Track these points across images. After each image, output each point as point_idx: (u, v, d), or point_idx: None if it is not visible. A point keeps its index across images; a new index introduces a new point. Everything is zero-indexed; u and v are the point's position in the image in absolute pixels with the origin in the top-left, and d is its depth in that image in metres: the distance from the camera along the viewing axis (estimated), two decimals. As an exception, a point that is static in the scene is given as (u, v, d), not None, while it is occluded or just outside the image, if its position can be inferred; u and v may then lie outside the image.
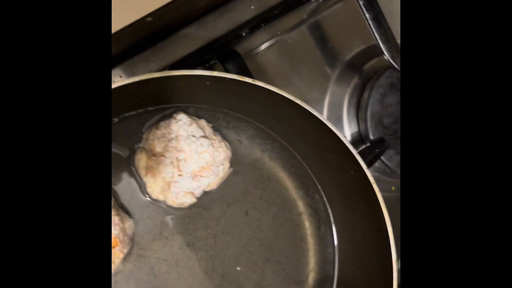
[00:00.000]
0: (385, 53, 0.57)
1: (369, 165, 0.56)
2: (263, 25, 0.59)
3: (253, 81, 0.40)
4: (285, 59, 0.61)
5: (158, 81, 0.38)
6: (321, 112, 0.62)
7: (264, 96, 0.43)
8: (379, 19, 0.57)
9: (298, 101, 0.41)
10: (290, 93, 0.59)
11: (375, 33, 0.56)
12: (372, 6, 0.56)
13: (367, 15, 0.56)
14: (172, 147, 0.44)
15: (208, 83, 0.42)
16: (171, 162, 0.44)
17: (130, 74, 0.51)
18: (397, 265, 0.46)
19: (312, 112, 0.42)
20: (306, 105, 0.42)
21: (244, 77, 0.39)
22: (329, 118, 0.62)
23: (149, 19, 0.46)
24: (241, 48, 0.58)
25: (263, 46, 0.60)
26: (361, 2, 0.56)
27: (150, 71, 0.53)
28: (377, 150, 0.57)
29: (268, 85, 0.41)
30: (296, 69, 0.61)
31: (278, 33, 0.60)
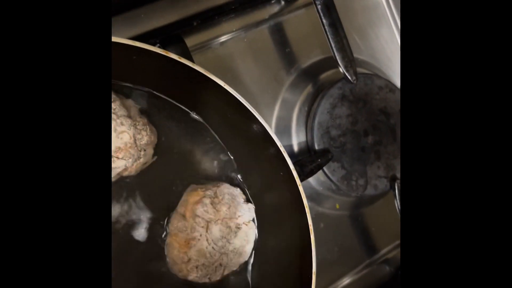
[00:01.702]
0: (339, 62, 0.56)
1: (309, 174, 0.54)
2: (217, 18, 0.56)
3: (179, 58, 0.37)
4: (238, 57, 0.59)
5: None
6: (270, 118, 0.60)
7: (194, 80, 0.41)
8: (335, 26, 0.55)
9: (226, 87, 0.39)
10: (239, 93, 0.58)
11: (331, 41, 0.55)
12: (329, 12, 0.55)
13: (323, 21, 0.55)
14: (89, 121, 0.41)
15: (135, 57, 0.39)
16: (86, 138, 0.40)
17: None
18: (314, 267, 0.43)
19: (239, 98, 0.40)
20: (234, 91, 0.40)
21: (169, 53, 0.37)
22: (277, 126, 0.60)
23: None
24: (192, 39, 0.56)
25: (216, 41, 0.58)
26: (319, 7, 0.55)
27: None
28: (319, 160, 0.54)
29: (195, 65, 0.38)
30: (249, 69, 0.59)
31: (234, 29, 0.59)
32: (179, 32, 0.54)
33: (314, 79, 0.62)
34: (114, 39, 0.36)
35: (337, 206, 0.63)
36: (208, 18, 0.56)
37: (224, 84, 0.39)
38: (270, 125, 0.60)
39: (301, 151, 0.60)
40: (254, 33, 0.60)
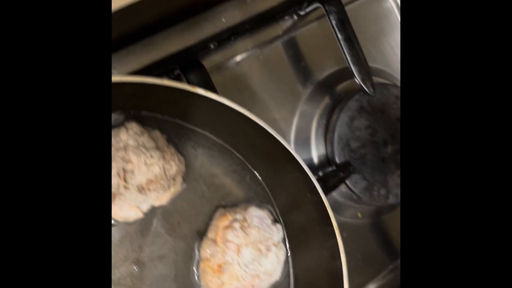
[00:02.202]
0: (356, 75, 0.56)
1: (332, 189, 0.55)
2: (232, 38, 0.57)
3: (205, 92, 0.38)
4: (255, 74, 0.59)
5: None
6: (288, 132, 0.60)
7: (220, 110, 0.41)
8: (351, 40, 0.56)
9: (253, 117, 0.39)
10: (258, 110, 0.59)
11: (346, 55, 0.55)
12: (344, 27, 0.55)
13: (339, 36, 0.55)
14: (119, 157, 0.42)
15: (161, 92, 0.40)
16: (117, 173, 0.42)
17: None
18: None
19: (268, 129, 0.41)
20: (260, 120, 0.40)
21: (196, 88, 0.38)
22: (296, 139, 0.61)
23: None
24: (209, 60, 0.57)
25: (232, 61, 0.58)
26: (333, 22, 0.55)
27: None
28: (341, 174, 0.55)
29: (221, 97, 0.39)
30: (266, 85, 0.60)
31: (249, 48, 0.59)
32: (197, 56, 0.54)
33: (331, 90, 0.63)
34: (141, 79, 0.37)
35: (359, 215, 0.64)
36: (224, 40, 0.57)
37: (250, 114, 0.40)
38: (289, 139, 0.61)
39: (321, 163, 0.61)
40: (268, 50, 0.60)
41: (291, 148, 0.43)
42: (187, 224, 0.47)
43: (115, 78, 0.36)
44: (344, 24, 0.55)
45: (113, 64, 0.51)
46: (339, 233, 0.43)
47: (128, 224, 0.44)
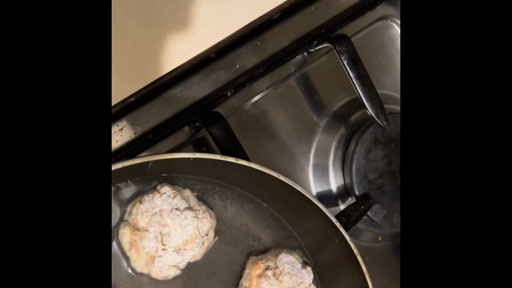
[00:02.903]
0: (369, 110, 0.58)
1: (354, 223, 0.57)
2: (248, 84, 0.59)
3: (236, 160, 0.40)
4: (270, 114, 0.61)
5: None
6: (307, 166, 0.62)
7: (248, 170, 0.43)
8: (362, 77, 0.57)
9: (281, 177, 0.42)
10: (275, 147, 0.61)
11: (359, 91, 0.57)
12: (355, 65, 0.57)
13: (350, 74, 0.57)
14: (156, 221, 0.44)
15: (191, 159, 0.42)
16: (155, 237, 0.44)
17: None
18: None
19: (293, 185, 0.43)
20: (287, 179, 0.43)
21: (226, 157, 0.40)
22: (314, 172, 0.63)
23: (132, 99, 0.46)
24: (226, 106, 0.58)
25: (249, 103, 0.60)
26: (344, 62, 0.57)
27: (135, 134, 0.53)
28: (362, 207, 0.57)
29: (251, 163, 0.41)
30: (282, 123, 0.62)
31: (264, 89, 0.61)
32: (215, 105, 0.56)
33: (345, 121, 0.64)
34: (178, 155, 0.38)
35: (380, 239, 0.66)
36: (239, 85, 0.58)
37: (278, 175, 0.42)
38: (307, 173, 0.63)
39: (340, 194, 0.63)
40: (282, 88, 0.62)
41: (315, 199, 0.45)
42: (222, 274, 0.49)
43: (147, 158, 0.38)
44: (355, 62, 0.57)
45: (135, 121, 0.53)
46: (368, 277, 0.45)
47: (167, 282, 0.46)
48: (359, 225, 0.64)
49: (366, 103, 0.58)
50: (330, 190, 0.63)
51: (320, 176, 0.63)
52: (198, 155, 0.39)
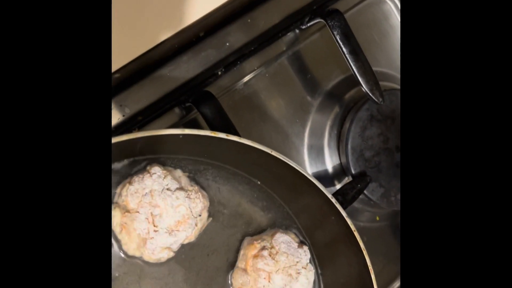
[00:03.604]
0: (364, 86, 0.56)
1: (351, 201, 0.55)
2: (239, 62, 0.57)
3: (226, 136, 0.38)
4: (263, 93, 0.60)
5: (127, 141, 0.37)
6: (301, 146, 0.61)
7: (240, 147, 0.42)
8: (356, 52, 0.56)
9: (274, 153, 0.40)
10: (269, 127, 0.59)
11: (353, 67, 0.56)
12: (348, 40, 0.56)
13: (344, 49, 0.56)
14: (146, 202, 0.42)
15: (181, 136, 0.40)
16: (146, 218, 0.42)
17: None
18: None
19: (287, 161, 0.41)
20: (280, 154, 0.41)
21: (216, 133, 0.38)
22: (309, 152, 0.61)
23: (117, 75, 0.45)
24: (217, 86, 0.57)
25: (240, 82, 0.59)
26: (337, 37, 0.55)
27: (124, 116, 0.51)
28: (359, 185, 0.56)
29: (242, 139, 0.40)
30: (275, 102, 0.60)
31: (255, 68, 0.59)
32: (205, 85, 0.55)
33: (339, 99, 0.63)
34: (166, 131, 0.37)
35: (377, 218, 0.65)
36: (230, 64, 0.57)
37: (269, 149, 0.41)
38: (303, 153, 0.61)
39: (336, 173, 0.62)
40: (274, 67, 0.61)
41: (308, 174, 0.44)
42: (217, 255, 0.48)
43: (134, 135, 0.37)
44: (348, 37, 0.56)
45: (125, 102, 0.52)
46: (366, 252, 0.44)
47: (161, 264, 0.45)
48: (356, 205, 0.63)
49: (360, 79, 0.56)
50: (326, 170, 0.62)
51: (316, 156, 0.62)
52: (187, 131, 0.38)
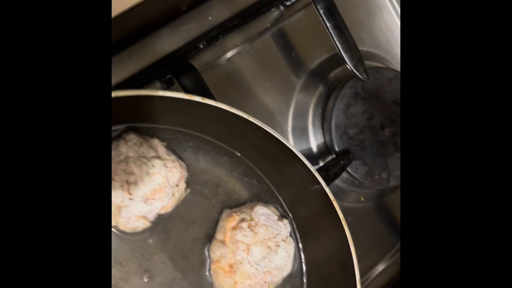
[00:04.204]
0: (348, 62, 0.56)
1: (334, 178, 0.55)
2: (221, 36, 0.57)
3: (203, 99, 0.38)
4: (247, 70, 0.59)
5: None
6: (285, 125, 0.60)
7: (218, 114, 0.41)
8: (340, 27, 0.55)
9: (251, 119, 0.39)
10: (253, 105, 0.59)
11: (337, 42, 0.55)
12: (332, 15, 0.55)
13: (327, 24, 0.55)
14: (121, 169, 0.42)
15: (156, 102, 0.39)
16: (121, 186, 0.42)
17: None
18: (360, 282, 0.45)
19: (266, 129, 0.41)
20: (259, 121, 0.40)
21: (192, 96, 0.37)
22: (294, 131, 0.61)
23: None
24: (200, 60, 0.56)
25: (223, 58, 0.58)
26: (321, 11, 0.55)
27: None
28: (342, 162, 0.55)
29: (219, 103, 0.39)
30: (259, 79, 0.60)
31: (239, 43, 0.59)
32: (187, 58, 0.54)
33: (324, 78, 0.62)
34: (134, 92, 0.36)
35: (362, 199, 0.65)
36: (213, 38, 0.56)
37: (247, 115, 0.40)
38: (286, 131, 0.61)
39: (320, 152, 0.61)
40: (258, 43, 0.60)
41: (290, 145, 0.43)
42: (195, 227, 0.47)
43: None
44: (332, 12, 0.55)
45: (104, 74, 0.51)
46: (345, 223, 0.43)
47: (136, 234, 0.44)
48: (341, 184, 0.63)
49: (344, 55, 0.56)
50: (310, 149, 0.61)
51: (300, 135, 0.61)
52: (161, 93, 0.37)
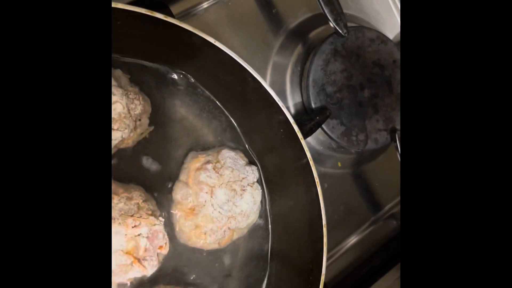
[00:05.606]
0: (328, 16, 0.54)
1: (309, 133, 0.53)
2: (198, -18, 0.55)
3: (165, 17, 0.36)
4: (224, 23, 0.57)
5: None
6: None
7: (184, 42, 0.39)
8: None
9: (217, 44, 0.37)
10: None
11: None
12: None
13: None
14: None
15: (119, 22, 0.37)
16: (78, 112, 0.39)
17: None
18: (326, 231, 0.42)
19: (236, 58, 0.39)
20: (229, 50, 0.38)
21: (154, 12, 0.35)
22: (271, 88, 0.59)
23: None
24: (176, 6, 0.54)
25: (200, 7, 0.56)
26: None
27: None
28: (318, 118, 0.53)
29: (182, 23, 0.37)
30: (238, 34, 0.58)
31: (218, -6, 0.57)
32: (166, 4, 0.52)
33: (304, 38, 0.61)
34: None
35: (339, 164, 0.63)
36: (190, -17, 0.54)
37: (215, 41, 0.38)
38: (263, 89, 0.59)
39: (298, 112, 0.59)
40: (238, -4, 0.58)
41: (261, 79, 0.41)
42: (157, 167, 0.45)
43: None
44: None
45: None
46: (318, 180, 0.41)
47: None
48: (317, 147, 0.61)
49: (324, 8, 0.54)
50: (287, 108, 0.59)
51: (277, 93, 0.59)
52: (121, 6, 0.35)
